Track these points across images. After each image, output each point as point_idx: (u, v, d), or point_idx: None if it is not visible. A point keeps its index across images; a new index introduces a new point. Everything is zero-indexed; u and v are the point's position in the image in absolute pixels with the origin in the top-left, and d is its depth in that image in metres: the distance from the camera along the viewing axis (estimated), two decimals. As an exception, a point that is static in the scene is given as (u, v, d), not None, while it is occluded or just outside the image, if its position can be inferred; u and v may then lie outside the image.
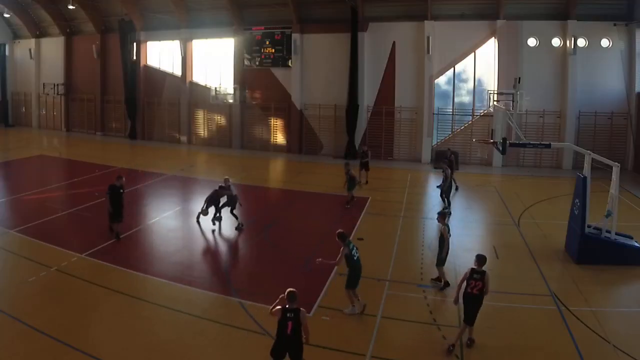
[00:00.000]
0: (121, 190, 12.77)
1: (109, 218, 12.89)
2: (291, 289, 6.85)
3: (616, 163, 11.61)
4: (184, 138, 31.80)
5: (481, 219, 16.59)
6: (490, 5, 24.33)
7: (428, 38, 24.93)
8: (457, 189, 19.21)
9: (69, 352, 7.61)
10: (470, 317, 7.88)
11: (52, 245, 12.28)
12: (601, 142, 23.34)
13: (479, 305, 7.86)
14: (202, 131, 31.73)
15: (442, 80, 26.20)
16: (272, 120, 29.43)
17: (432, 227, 14.93)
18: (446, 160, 18.43)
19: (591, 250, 11.57)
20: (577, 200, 12.00)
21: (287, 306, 6.77)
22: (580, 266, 11.47)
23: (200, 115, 31.56)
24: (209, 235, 13.83)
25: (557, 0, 23.64)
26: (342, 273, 10.92)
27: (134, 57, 32.32)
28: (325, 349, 7.93)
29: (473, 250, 12.69)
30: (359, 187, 18.07)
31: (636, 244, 11.71)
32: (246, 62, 29.37)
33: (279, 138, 29.41)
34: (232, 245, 13.29)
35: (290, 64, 28.17)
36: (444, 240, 10.27)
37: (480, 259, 8.05)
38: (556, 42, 23.97)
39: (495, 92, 22.74)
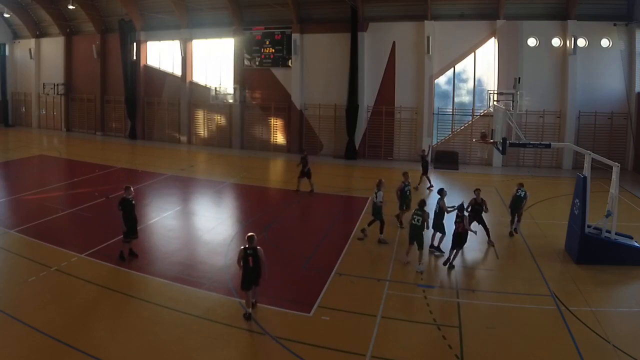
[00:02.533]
0: (133, 202, 11.62)
1: (123, 236, 11.47)
2: (250, 234, 8.85)
3: (616, 163, 11.59)
4: (184, 138, 31.80)
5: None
6: (490, 5, 24.34)
7: (428, 38, 24.93)
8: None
9: (69, 352, 7.61)
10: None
11: (52, 245, 12.28)
12: (601, 142, 23.35)
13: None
14: (202, 131, 31.73)
15: (442, 80, 26.20)
16: (272, 120, 29.43)
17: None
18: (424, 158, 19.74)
19: (591, 250, 11.57)
20: (577, 200, 12.00)
21: (247, 246, 8.71)
22: (580, 266, 11.47)
23: (200, 115, 31.56)
24: (209, 236, 13.82)
25: (557, 0, 23.64)
26: (342, 273, 10.97)
27: (134, 57, 32.33)
28: (325, 349, 7.94)
29: (473, 250, 12.75)
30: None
31: (636, 244, 11.71)
32: (246, 62, 29.37)
33: (279, 138, 29.41)
34: (232, 245, 13.27)
35: (290, 64, 28.17)
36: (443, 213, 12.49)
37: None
38: (556, 42, 23.97)
39: (495, 92, 22.76)
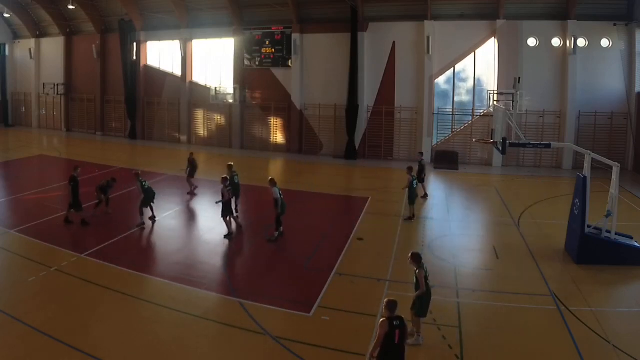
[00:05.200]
0: (78, 180, 14.29)
1: (73, 208, 14.07)
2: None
3: (616, 163, 11.59)
4: (184, 138, 31.80)
5: (481, 219, 16.58)
6: (490, 5, 24.34)
7: (428, 38, 24.92)
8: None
9: (69, 352, 7.60)
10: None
11: (52, 245, 12.28)
12: (601, 142, 23.35)
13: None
14: (202, 131, 31.73)
15: (441, 80, 26.20)
16: (272, 120, 29.43)
17: (432, 227, 14.96)
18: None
19: (591, 250, 11.56)
20: (577, 200, 12.00)
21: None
22: (580, 266, 11.46)
23: (200, 115, 31.57)
24: (209, 236, 13.82)
25: (557, 0, 23.64)
26: (342, 273, 10.97)
27: (134, 57, 32.34)
28: (325, 349, 7.93)
29: (473, 251, 12.78)
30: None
31: (636, 244, 11.70)
32: (246, 62, 29.37)
33: (279, 138, 29.41)
34: (232, 245, 13.28)
35: (290, 64, 28.17)
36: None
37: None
38: (556, 42, 23.96)
39: (495, 92, 22.76)
